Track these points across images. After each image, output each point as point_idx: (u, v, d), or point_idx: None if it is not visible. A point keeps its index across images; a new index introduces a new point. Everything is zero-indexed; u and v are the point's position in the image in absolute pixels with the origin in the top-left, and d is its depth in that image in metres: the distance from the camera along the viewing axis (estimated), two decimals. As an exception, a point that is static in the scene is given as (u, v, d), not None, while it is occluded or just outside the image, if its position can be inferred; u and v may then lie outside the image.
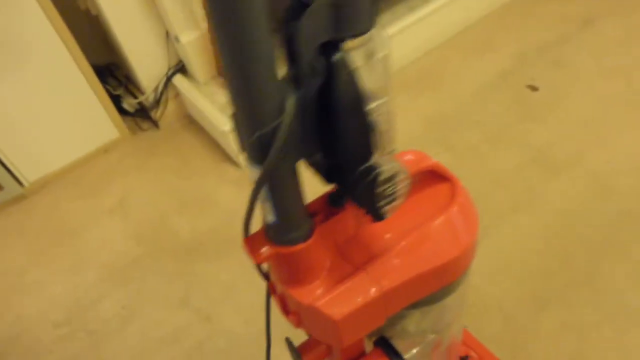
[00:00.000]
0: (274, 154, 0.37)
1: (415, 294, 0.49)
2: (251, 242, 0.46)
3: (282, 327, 0.57)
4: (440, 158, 1.50)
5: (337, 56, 0.36)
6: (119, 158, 1.69)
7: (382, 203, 0.42)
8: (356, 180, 0.41)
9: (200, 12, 1.54)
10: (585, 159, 1.30)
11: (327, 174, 0.44)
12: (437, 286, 0.50)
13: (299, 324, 0.52)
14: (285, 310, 0.53)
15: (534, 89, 1.53)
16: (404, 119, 1.55)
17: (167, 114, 1.76)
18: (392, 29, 1.64)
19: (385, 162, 0.40)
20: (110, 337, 1.20)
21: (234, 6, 0.31)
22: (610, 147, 1.32)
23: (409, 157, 0.53)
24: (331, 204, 0.48)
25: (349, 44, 0.36)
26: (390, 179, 0.41)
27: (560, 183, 1.27)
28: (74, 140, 1.68)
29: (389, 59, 0.38)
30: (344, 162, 0.41)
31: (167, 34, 1.63)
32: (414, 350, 0.58)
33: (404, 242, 0.47)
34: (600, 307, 1.03)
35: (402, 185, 0.42)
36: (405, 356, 0.57)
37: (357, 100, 0.37)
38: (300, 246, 0.45)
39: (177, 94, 1.74)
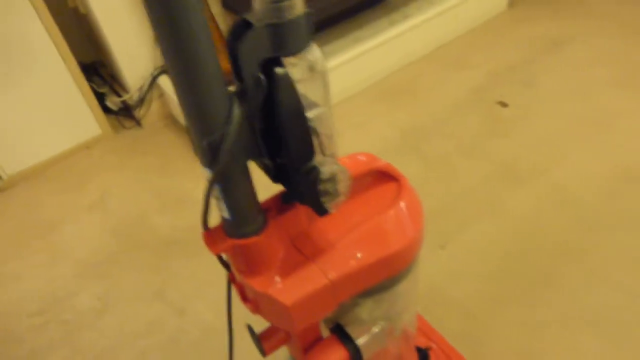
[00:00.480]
0: (222, 159, 0.42)
1: (363, 283, 0.55)
2: (210, 235, 0.51)
3: (248, 317, 0.62)
4: (413, 166, 1.57)
5: (277, 71, 0.42)
6: (101, 155, 1.72)
7: (324, 199, 0.47)
8: (299, 179, 0.47)
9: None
10: (546, 172, 1.38)
11: (274, 174, 0.50)
12: (383, 276, 0.55)
13: (256, 310, 0.57)
14: (244, 297, 0.58)
15: (503, 105, 1.60)
16: (381, 129, 1.61)
17: (150, 113, 1.80)
18: (372, 43, 1.71)
19: (325, 163, 0.46)
20: (85, 328, 1.23)
21: (178, 29, 0.37)
22: (569, 162, 1.39)
23: (360, 158, 0.59)
24: (284, 201, 0.54)
25: (288, 60, 0.42)
26: (330, 178, 0.46)
27: (522, 193, 1.34)
28: (56, 135, 1.71)
29: (326, 73, 0.44)
30: (289, 163, 0.47)
31: (155, 35, 1.67)
32: (367, 336, 0.63)
33: (352, 235, 0.53)
34: (554, 308, 1.09)
35: (342, 183, 0.47)
36: (358, 342, 0.62)
37: (297, 109, 0.43)
38: (254, 239, 0.50)
39: (162, 94, 1.78)
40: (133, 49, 1.68)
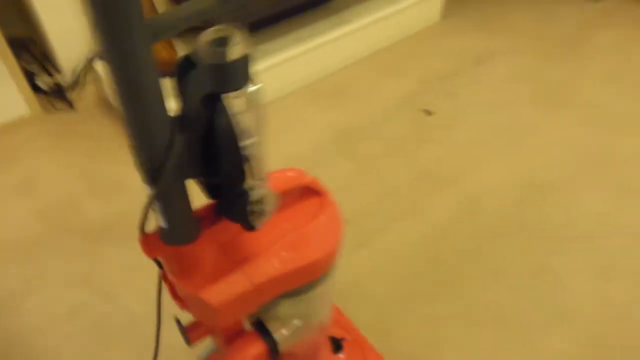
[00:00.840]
0: (162, 180, 0.48)
1: (283, 287, 0.62)
2: (146, 240, 0.57)
3: (175, 308, 0.68)
4: (343, 167, 1.66)
5: (218, 105, 0.48)
6: (29, 136, 1.68)
7: (252, 218, 0.54)
8: (231, 199, 0.53)
9: None
10: (462, 179, 1.51)
11: (209, 192, 0.56)
12: (302, 282, 0.63)
13: (184, 307, 0.63)
14: (174, 295, 0.63)
15: (429, 113, 1.72)
16: (314, 129, 1.69)
17: (84, 96, 1.77)
18: (311, 44, 1.77)
19: (255, 187, 0.53)
20: (7, 312, 1.23)
21: (126, 59, 0.42)
22: (483, 172, 1.53)
23: (290, 174, 0.65)
24: (216, 212, 0.60)
25: (228, 95, 0.48)
26: (258, 200, 0.53)
27: (440, 198, 1.46)
28: (-20, 112, 1.65)
29: (261, 107, 0.50)
30: (223, 184, 0.53)
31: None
32: (285, 331, 0.71)
33: (276, 245, 0.60)
34: (458, 304, 1.22)
35: (269, 205, 0.54)
36: (276, 336, 0.70)
37: (233, 138, 0.49)
38: (186, 246, 0.56)
39: (97, 77, 1.75)
40: (68, 28, 1.64)
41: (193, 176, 0.53)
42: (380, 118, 1.72)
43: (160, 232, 0.56)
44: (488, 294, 1.24)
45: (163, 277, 0.65)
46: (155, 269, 0.63)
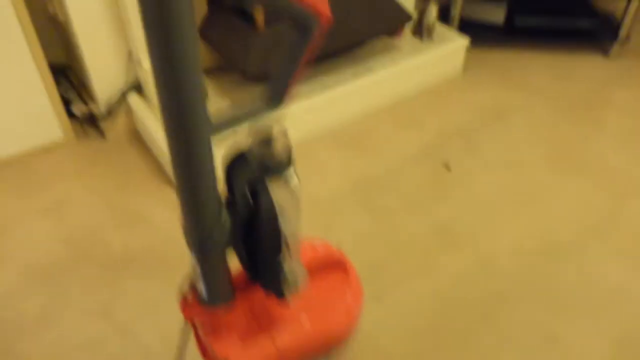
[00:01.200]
0: (208, 252, 0.53)
1: (305, 354, 0.66)
2: (185, 303, 0.61)
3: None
4: (360, 217, 1.70)
5: (260, 187, 0.53)
6: (61, 161, 1.74)
7: (284, 290, 0.58)
8: (267, 271, 0.58)
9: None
10: (477, 238, 1.54)
11: (246, 263, 0.60)
12: (322, 351, 0.66)
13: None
14: (204, 352, 0.67)
15: (447, 168, 1.76)
16: (333, 176, 1.74)
17: (115, 126, 1.84)
18: (335, 91, 1.84)
19: (290, 262, 0.57)
20: (25, 335, 1.27)
21: (190, 149, 0.47)
22: (498, 231, 1.56)
23: (319, 247, 0.70)
24: (250, 278, 0.64)
25: (270, 179, 0.53)
26: (292, 273, 0.57)
27: (454, 256, 1.49)
28: (15, 134, 1.72)
29: (298, 188, 0.55)
30: (260, 257, 0.58)
31: (130, 53, 1.73)
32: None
33: (303, 315, 0.64)
34: (464, 367, 1.24)
35: (301, 278, 0.59)
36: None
37: (274, 217, 0.54)
38: (222, 310, 0.60)
39: (129, 110, 1.83)
40: (106, 62, 1.72)
41: (234, 247, 0.58)
42: (398, 170, 1.76)
43: (199, 294, 0.61)
44: (498, 358, 1.25)
45: (194, 332, 0.69)
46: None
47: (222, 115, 0.50)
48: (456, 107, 2.03)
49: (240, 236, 0.56)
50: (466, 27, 2.25)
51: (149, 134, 1.73)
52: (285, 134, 0.52)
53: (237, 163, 0.52)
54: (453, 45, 2.11)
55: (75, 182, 1.67)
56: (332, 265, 0.70)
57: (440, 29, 2.16)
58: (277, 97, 0.53)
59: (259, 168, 0.52)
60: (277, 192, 0.54)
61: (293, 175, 0.54)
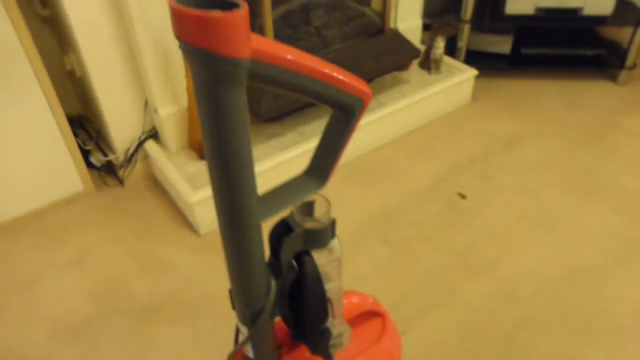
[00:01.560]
0: (259, 323, 0.55)
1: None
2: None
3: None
4: (379, 251, 1.71)
5: (306, 258, 0.55)
6: (82, 212, 1.78)
7: (330, 350, 0.60)
8: (314, 335, 0.59)
9: (181, 90, 1.71)
10: (497, 266, 1.55)
11: (294, 327, 0.62)
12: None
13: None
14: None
15: (462, 196, 1.78)
16: (351, 210, 1.76)
17: (134, 173, 1.88)
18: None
19: (335, 324, 0.59)
20: (57, 392, 1.28)
21: (242, 234, 0.50)
22: (517, 258, 1.57)
23: (354, 299, 0.71)
24: (293, 338, 0.66)
25: (315, 251, 0.55)
26: (338, 336, 0.59)
27: (475, 285, 1.49)
28: (37, 188, 1.75)
29: (341, 258, 0.57)
30: (307, 322, 0.59)
31: (146, 102, 1.77)
32: None
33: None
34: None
35: (346, 338, 0.60)
36: None
37: (319, 284, 0.56)
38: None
39: (146, 156, 1.87)
40: (123, 113, 1.77)
41: (281, 315, 0.60)
42: (414, 200, 1.78)
43: (248, 358, 0.62)
44: (528, 389, 1.25)
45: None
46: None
47: (270, 198, 0.53)
48: (467, 135, 2.06)
49: (287, 304, 0.58)
50: (473, 56, 2.30)
51: (166, 179, 1.77)
52: (328, 204, 0.54)
53: (283, 234, 0.54)
54: (461, 77, 2.15)
55: (96, 233, 1.70)
56: (368, 314, 0.72)
57: (447, 59, 2.20)
58: (323, 175, 0.55)
59: (303, 239, 0.54)
60: (322, 262, 0.56)
61: (336, 244, 0.56)
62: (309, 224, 0.53)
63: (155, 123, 1.80)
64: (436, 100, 2.11)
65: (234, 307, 0.57)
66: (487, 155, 1.96)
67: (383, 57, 1.92)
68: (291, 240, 0.54)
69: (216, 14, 0.41)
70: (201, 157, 1.76)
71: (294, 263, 0.55)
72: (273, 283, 0.54)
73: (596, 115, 2.14)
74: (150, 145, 1.82)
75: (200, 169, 1.71)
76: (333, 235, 0.56)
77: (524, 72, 2.43)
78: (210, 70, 0.45)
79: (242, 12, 0.43)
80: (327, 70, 0.51)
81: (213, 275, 1.54)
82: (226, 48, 0.43)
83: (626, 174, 1.85)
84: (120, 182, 1.88)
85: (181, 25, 0.43)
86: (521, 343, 1.34)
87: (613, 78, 2.35)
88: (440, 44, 2.05)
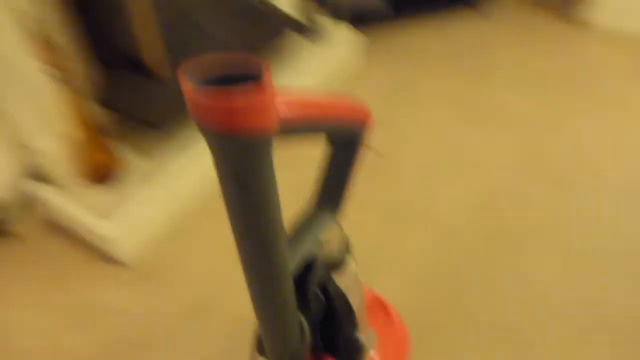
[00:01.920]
0: None
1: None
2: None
3: None
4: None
5: (332, 286, 0.56)
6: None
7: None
8: (344, 349, 0.58)
9: (54, 115, 1.48)
10: (425, 211, 1.61)
11: (320, 344, 0.60)
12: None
13: None
14: None
15: (379, 154, 1.81)
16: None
17: (26, 223, 1.64)
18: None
19: (362, 334, 0.58)
20: None
21: (272, 292, 0.46)
22: (442, 198, 1.65)
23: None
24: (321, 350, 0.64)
25: (335, 275, 0.53)
26: (367, 345, 0.58)
27: (414, 234, 1.55)
28: None
29: (357, 272, 0.57)
30: (338, 338, 0.57)
31: (15, 142, 1.55)
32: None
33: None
34: (469, 331, 1.30)
35: (373, 343, 0.60)
36: None
37: (348, 306, 0.55)
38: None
39: (32, 202, 1.63)
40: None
41: (314, 350, 0.58)
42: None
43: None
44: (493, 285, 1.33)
45: None
46: None
47: (295, 243, 0.51)
48: (364, 93, 2.09)
49: (317, 331, 0.56)
50: (354, 18, 2.32)
51: (67, 218, 1.56)
52: (340, 227, 0.55)
53: (303, 270, 0.52)
54: (344, 37, 2.18)
55: (5, 300, 1.47)
56: (373, 308, 0.72)
57: (327, 23, 2.20)
58: (335, 205, 0.56)
59: (324, 268, 0.53)
60: (345, 282, 0.55)
61: (352, 261, 0.56)
62: (327, 252, 0.53)
63: (32, 161, 1.57)
64: (326, 66, 2.11)
65: (260, 353, 0.53)
66: (386, 107, 2.01)
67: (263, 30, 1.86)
68: (316, 274, 0.52)
69: (244, 99, 0.36)
70: (97, 180, 1.57)
71: (319, 293, 0.54)
72: (304, 321, 0.52)
73: (474, 49, 2.30)
74: (39, 187, 1.59)
75: (101, 194, 1.54)
76: (349, 255, 0.56)
77: (404, 21, 2.50)
78: (239, 152, 0.42)
79: (266, 81, 0.39)
80: (332, 105, 0.51)
81: (158, 304, 1.41)
82: (257, 130, 0.40)
83: (511, 97, 2.02)
84: (10, 236, 1.63)
85: (202, 114, 0.38)
86: (469, 268, 1.43)
87: (484, 14, 2.53)
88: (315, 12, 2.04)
